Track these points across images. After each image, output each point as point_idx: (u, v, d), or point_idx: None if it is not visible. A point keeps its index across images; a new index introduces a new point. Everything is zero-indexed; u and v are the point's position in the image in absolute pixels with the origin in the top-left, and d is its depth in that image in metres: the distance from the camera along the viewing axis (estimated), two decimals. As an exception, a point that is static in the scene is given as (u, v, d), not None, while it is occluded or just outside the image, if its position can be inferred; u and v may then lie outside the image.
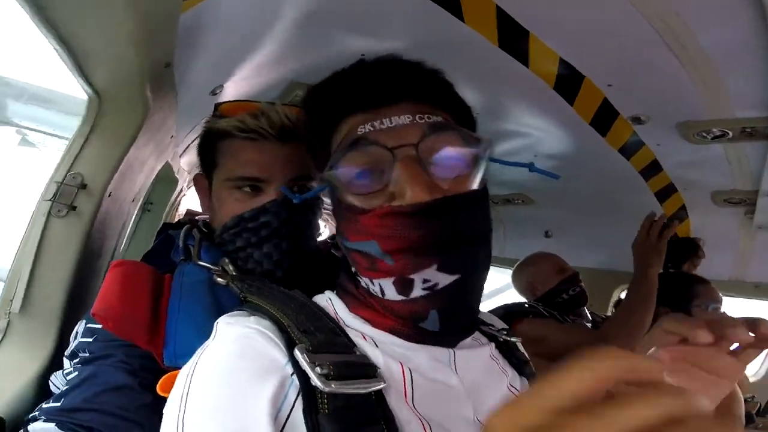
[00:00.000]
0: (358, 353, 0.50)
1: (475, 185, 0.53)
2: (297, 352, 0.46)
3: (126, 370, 0.69)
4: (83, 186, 0.88)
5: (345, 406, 0.44)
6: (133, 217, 1.22)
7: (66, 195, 0.86)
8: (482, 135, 0.55)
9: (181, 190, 1.70)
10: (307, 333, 0.48)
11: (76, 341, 0.75)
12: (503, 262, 2.51)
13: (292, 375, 0.46)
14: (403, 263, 0.50)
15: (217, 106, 0.89)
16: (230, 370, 0.46)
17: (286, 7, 0.92)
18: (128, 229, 1.18)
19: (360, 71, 0.57)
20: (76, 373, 0.70)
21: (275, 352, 0.47)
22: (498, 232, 0.62)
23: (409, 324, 0.53)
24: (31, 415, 0.69)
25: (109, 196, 0.94)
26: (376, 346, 0.52)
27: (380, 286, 0.53)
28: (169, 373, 0.60)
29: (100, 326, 0.73)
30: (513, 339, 0.68)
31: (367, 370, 0.48)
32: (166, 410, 0.47)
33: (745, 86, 1.04)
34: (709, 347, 0.44)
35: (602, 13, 0.90)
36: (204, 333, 0.61)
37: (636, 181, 1.71)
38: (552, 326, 1.56)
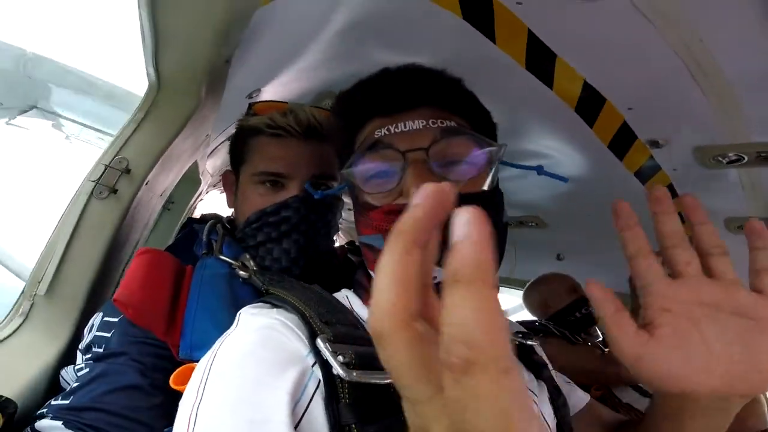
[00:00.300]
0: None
1: (484, 187, 0.57)
2: (319, 341, 0.47)
3: (137, 369, 0.69)
4: (127, 171, 0.91)
5: (365, 397, 0.45)
6: (158, 211, 1.25)
7: (110, 178, 0.89)
8: (493, 141, 0.58)
9: (200, 193, 1.74)
10: (328, 324, 0.50)
11: (92, 334, 0.75)
12: (513, 283, 2.51)
13: (313, 366, 0.47)
14: None
15: (251, 105, 0.94)
16: (251, 359, 0.47)
17: (332, 18, 0.97)
18: (151, 224, 1.21)
19: (383, 78, 0.62)
20: (87, 369, 0.71)
21: (297, 344, 0.49)
22: (509, 253, 0.64)
23: None
24: (39, 411, 0.69)
25: (146, 184, 0.98)
26: None
27: None
28: (184, 366, 0.62)
29: (116, 320, 0.74)
30: (530, 342, 0.70)
31: None
32: (182, 401, 0.47)
33: (762, 111, 1.07)
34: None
35: (629, 40, 0.95)
36: (221, 326, 0.63)
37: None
38: (560, 347, 1.62)
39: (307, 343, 0.49)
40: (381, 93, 0.60)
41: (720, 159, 1.38)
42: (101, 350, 0.72)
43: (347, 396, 0.45)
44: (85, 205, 0.88)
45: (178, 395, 0.49)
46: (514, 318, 2.16)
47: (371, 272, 0.60)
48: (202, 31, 0.76)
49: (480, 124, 0.63)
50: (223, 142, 1.40)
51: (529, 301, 1.95)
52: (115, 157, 0.91)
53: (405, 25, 1.03)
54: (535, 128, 1.49)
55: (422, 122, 0.56)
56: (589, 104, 1.29)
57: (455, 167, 0.56)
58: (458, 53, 1.15)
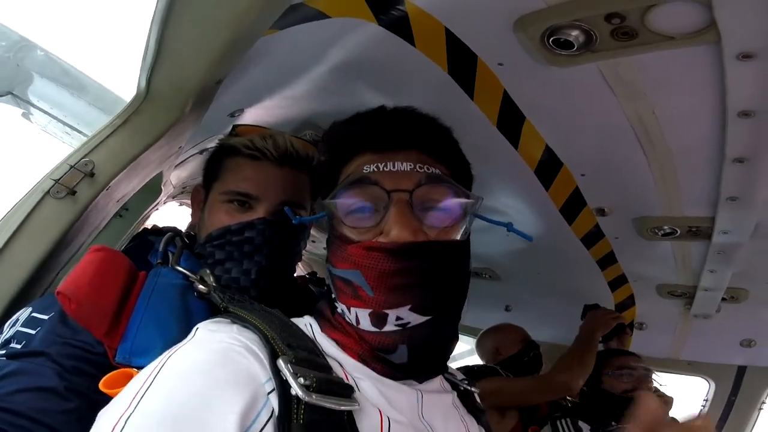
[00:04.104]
0: (335, 375, 0.53)
1: (458, 236, 0.60)
2: (280, 362, 0.47)
3: (54, 371, 0.65)
4: (91, 174, 0.86)
5: (319, 420, 0.45)
6: (110, 217, 1.16)
7: (71, 179, 0.84)
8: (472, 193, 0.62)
9: (158, 203, 1.63)
10: (290, 347, 0.50)
11: (13, 329, 0.70)
12: (464, 330, 2.55)
13: (269, 394, 0.46)
14: (382, 298, 0.54)
15: (235, 126, 0.95)
16: (202, 376, 0.45)
17: (326, 55, 1.02)
18: (101, 228, 1.12)
19: (378, 115, 0.64)
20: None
21: (257, 368, 0.47)
22: None
23: (377, 353, 0.56)
24: None
25: (107, 189, 0.92)
26: (357, 387, 0.54)
27: (356, 315, 0.56)
28: (118, 370, 0.59)
29: (46, 317, 0.70)
30: (472, 389, 0.72)
31: (345, 390, 0.50)
32: (107, 407, 0.44)
33: (695, 186, 1.23)
34: None
35: (591, 107, 1.08)
36: (167, 336, 0.63)
37: (593, 269, 1.87)
38: (502, 379, 1.77)
39: (267, 366, 0.48)
40: (374, 129, 0.62)
41: (656, 231, 1.54)
42: (19, 347, 0.67)
43: (301, 417, 0.45)
44: (38, 203, 0.81)
45: (97, 402, 0.45)
46: (463, 362, 2.19)
47: (339, 304, 0.59)
48: (202, 54, 0.77)
49: (460, 174, 0.65)
50: (194, 154, 1.36)
51: (482, 347, 2.04)
52: (82, 158, 0.86)
53: (393, 70, 1.10)
54: (497, 185, 1.59)
55: (410, 165, 0.58)
56: (548, 167, 1.41)
57: (434, 213, 0.58)
58: (438, 103, 1.23)
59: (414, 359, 0.55)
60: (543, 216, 1.69)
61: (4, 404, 0.60)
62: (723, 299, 1.73)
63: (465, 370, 1.84)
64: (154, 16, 0.69)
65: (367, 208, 0.58)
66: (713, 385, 1.97)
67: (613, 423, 1.62)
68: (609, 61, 0.91)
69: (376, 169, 0.58)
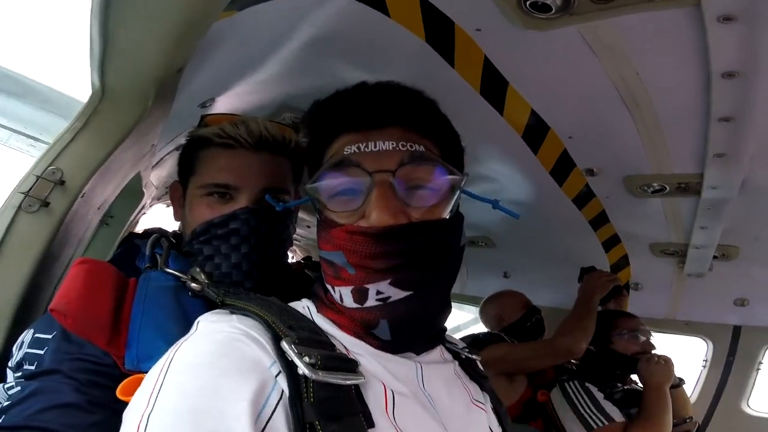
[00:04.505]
0: (338, 351, 0.53)
1: (444, 214, 0.58)
2: (284, 344, 0.47)
3: (72, 387, 0.65)
4: (61, 182, 0.83)
5: (329, 397, 0.46)
6: (95, 226, 1.15)
7: (41, 190, 0.81)
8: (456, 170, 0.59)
9: (143, 207, 1.61)
10: (292, 329, 0.50)
11: (22, 351, 0.70)
12: (465, 299, 2.61)
13: (276, 377, 0.46)
14: (361, 274, 0.54)
15: (203, 117, 0.91)
16: (210, 368, 0.45)
17: (295, 32, 0.97)
18: (87, 239, 1.10)
19: (359, 92, 0.61)
20: (19, 388, 0.66)
21: (259, 353, 0.48)
22: (461, 271, 0.67)
23: (364, 329, 0.57)
24: None
25: (82, 197, 0.90)
26: (357, 361, 0.54)
27: (340, 294, 0.57)
28: (132, 376, 0.59)
29: (50, 336, 0.70)
30: (473, 356, 0.73)
31: (349, 364, 0.51)
32: (128, 409, 0.45)
33: (682, 145, 1.22)
34: None
35: (574, 71, 1.04)
36: (169, 338, 0.62)
37: (586, 230, 1.88)
38: (507, 345, 1.79)
39: (270, 350, 0.48)
40: (355, 107, 0.59)
41: (646, 188, 1.54)
42: (33, 368, 0.67)
43: (311, 395, 0.45)
44: (12, 219, 0.80)
45: (120, 412, 0.46)
46: (467, 331, 2.23)
47: (328, 286, 0.59)
48: (153, 43, 0.73)
49: (449, 148, 0.62)
50: (171, 151, 1.33)
51: (485, 314, 2.06)
52: (48, 167, 0.83)
53: (369, 43, 1.05)
54: (485, 152, 1.56)
55: (392, 143, 0.56)
56: (535, 132, 1.39)
57: (418, 192, 0.56)
58: (419, 74, 1.20)
59: (396, 334, 0.56)
60: (533, 180, 1.67)
61: (35, 423, 0.61)
62: (715, 257, 1.74)
63: (471, 338, 1.87)
64: (92, 9, 0.64)
65: (350, 190, 0.56)
66: (711, 345, 2.00)
67: (618, 384, 1.66)
68: (589, 24, 0.87)
69: (357, 150, 0.56)
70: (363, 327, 0.56)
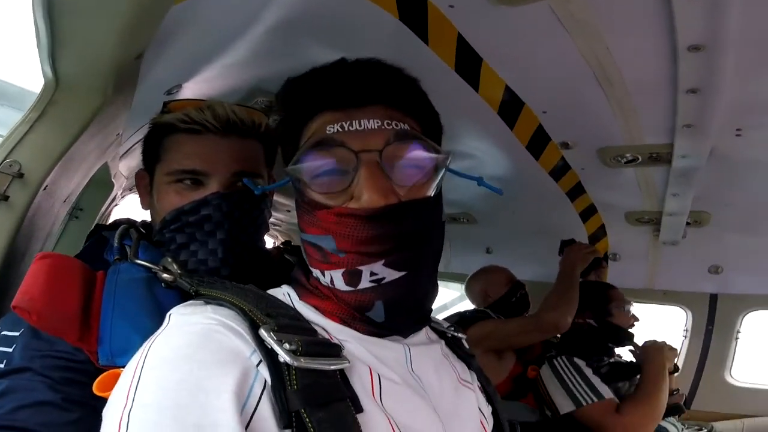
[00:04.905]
0: (321, 337, 0.52)
1: (430, 192, 0.57)
2: (263, 332, 0.46)
3: (46, 384, 0.63)
4: (20, 175, 0.79)
5: (313, 384, 0.45)
6: (62, 219, 1.11)
7: None
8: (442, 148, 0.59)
9: (114, 198, 1.57)
10: (270, 316, 0.49)
11: None
12: (450, 277, 2.63)
13: (258, 366, 0.45)
14: (354, 257, 0.53)
15: (166, 103, 0.88)
16: (188, 361, 0.44)
17: (263, 14, 0.94)
18: (55, 234, 1.07)
19: (338, 69, 0.58)
20: None
21: (238, 342, 0.46)
22: (445, 248, 0.67)
23: (356, 313, 0.55)
24: None
25: (44, 189, 0.87)
26: (341, 346, 0.53)
27: (330, 277, 0.55)
28: (108, 371, 0.56)
29: (17, 333, 0.67)
30: (459, 335, 0.73)
31: (333, 349, 0.50)
32: (107, 407, 0.44)
33: (652, 117, 1.24)
34: None
35: (547, 46, 1.04)
36: (143, 331, 0.60)
37: (563, 202, 1.91)
38: (495, 321, 1.81)
39: (249, 339, 0.47)
40: (335, 85, 0.57)
41: (619, 159, 1.57)
42: (2, 365, 0.64)
43: (294, 383, 0.44)
44: None
45: (98, 409, 0.45)
46: (454, 308, 2.26)
47: (313, 270, 0.58)
48: (104, 31, 0.68)
49: (429, 127, 0.61)
50: (139, 140, 1.28)
51: (471, 291, 2.06)
52: (4, 160, 0.79)
53: (342, 23, 1.02)
54: (462, 129, 1.56)
55: (377, 122, 0.55)
56: (510, 108, 1.39)
57: (405, 171, 0.55)
58: (393, 53, 1.17)
59: (391, 316, 0.55)
60: (510, 154, 1.69)
61: (10, 423, 0.59)
62: (688, 224, 1.80)
63: (457, 316, 1.88)
64: (32, 3, 0.61)
65: (335, 171, 0.54)
66: (690, 314, 2.07)
67: (605, 358, 1.71)
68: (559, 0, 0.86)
69: (341, 129, 0.54)
70: (355, 310, 0.55)
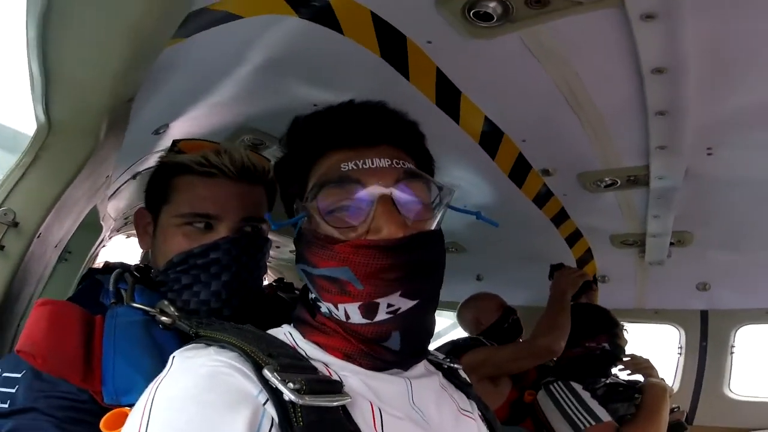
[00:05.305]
0: (321, 374, 0.54)
1: (433, 226, 0.61)
2: (266, 372, 0.47)
3: (52, 424, 0.63)
4: (15, 224, 0.80)
5: (318, 420, 0.46)
6: (53, 264, 1.10)
7: None
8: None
9: (102, 240, 1.55)
10: (272, 356, 0.50)
11: None
12: (442, 306, 2.58)
13: (264, 404, 0.47)
14: (371, 289, 0.55)
15: (176, 142, 0.90)
16: (196, 403, 0.45)
17: (249, 54, 0.98)
18: (46, 277, 1.05)
19: (348, 110, 0.63)
20: None
21: (245, 382, 0.48)
22: None
23: (364, 347, 0.57)
24: None
25: (38, 237, 0.86)
26: (342, 382, 0.55)
27: (345, 311, 0.56)
28: (113, 411, 0.59)
29: (19, 375, 0.67)
30: (455, 365, 0.74)
31: (334, 386, 0.51)
32: None
33: (626, 140, 1.29)
34: None
35: (521, 76, 1.10)
36: (144, 371, 0.63)
37: (549, 227, 1.94)
38: (489, 348, 1.80)
39: (255, 379, 0.48)
40: (347, 125, 0.61)
41: (599, 183, 1.62)
42: (6, 406, 0.64)
43: (300, 420, 0.45)
44: None
45: None
46: (447, 337, 2.22)
47: (324, 304, 0.59)
48: (98, 75, 0.71)
49: (426, 167, 0.66)
50: (127, 181, 1.29)
51: (463, 318, 2.07)
52: None
53: (325, 61, 1.07)
54: (445, 161, 1.60)
55: (387, 161, 0.58)
56: (490, 138, 1.44)
57: (413, 207, 0.59)
58: (376, 89, 1.23)
59: (406, 344, 0.57)
60: (494, 184, 1.73)
61: None
62: (672, 244, 1.84)
63: (451, 345, 1.87)
64: (28, 43, 0.62)
65: (351, 207, 0.58)
66: (683, 331, 2.08)
67: (601, 379, 1.70)
68: (528, 30, 0.92)
69: (355, 167, 0.58)
70: (371, 341, 0.57)
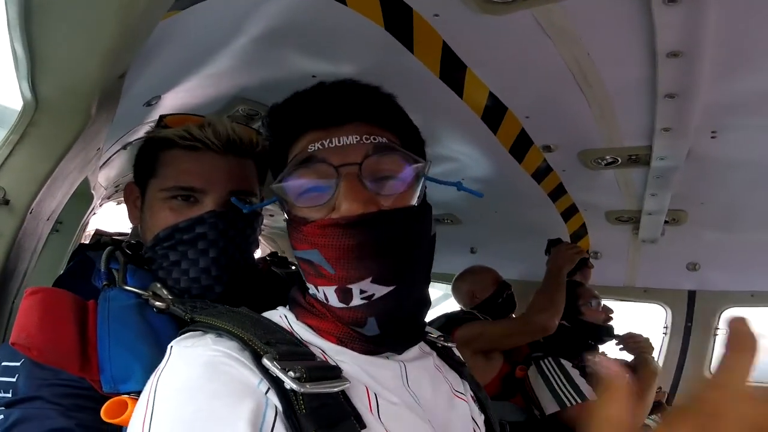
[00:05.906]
0: (319, 360, 0.54)
1: (413, 202, 0.59)
2: (266, 362, 0.47)
3: (58, 412, 0.63)
4: (5, 202, 0.77)
5: (320, 406, 0.47)
6: (45, 236, 1.08)
7: None
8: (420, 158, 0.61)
9: (93, 208, 1.52)
10: (270, 344, 0.50)
11: None
12: (435, 277, 2.64)
13: (267, 393, 0.47)
14: (342, 273, 0.54)
15: (162, 117, 0.86)
16: (200, 393, 0.45)
17: (247, 24, 0.93)
18: (39, 250, 1.04)
19: (318, 92, 0.61)
20: (2, 416, 0.64)
21: (246, 373, 0.48)
22: None
23: (351, 330, 0.57)
24: None
25: (30, 213, 0.84)
26: (340, 368, 0.55)
27: (324, 293, 0.57)
28: (112, 399, 0.59)
29: (18, 363, 0.67)
30: (449, 344, 0.74)
31: (333, 372, 0.52)
32: None
33: (631, 120, 1.27)
34: None
35: (529, 53, 1.06)
36: (141, 358, 0.62)
37: (545, 202, 1.95)
38: (483, 323, 1.81)
39: (254, 368, 0.48)
40: (315, 107, 0.60)
41: (599, 161, 1.61)
42: (9, 395, 0.64)
43: (303, 407, 0.46)
44: None
45: None
46: (439, 308, 2.27)
47: (309, 286, 0.59)
48: (87, 54, 0.66)
49: (409, 140, 0.63)
50: (118, 151, 1.25)
51: (458, 291, 2.06)
52: None
53: (327, 33, 1.02)
54: (447, 134, 1.58)
55: (356, 137, 0.57)
56: (493, 113, 1.41)
57: (386, 182, 0.57)
58: (379, 62, 1.18)
59: (384, 330, 0.57)
60: (494, 158, 1.71)
61: None
62: (666, 222, 1.85)
63: (445, 318, 1.88)
64: (8, 21, 0.58)
65: (318, 187, 0.56)
66: (669, 311, 2.11)
67: (587, 356, 1.71)
68: (542, 8, 0.88)
69: (321, 147, 0.56)
70: (350, 326, 0.57)
